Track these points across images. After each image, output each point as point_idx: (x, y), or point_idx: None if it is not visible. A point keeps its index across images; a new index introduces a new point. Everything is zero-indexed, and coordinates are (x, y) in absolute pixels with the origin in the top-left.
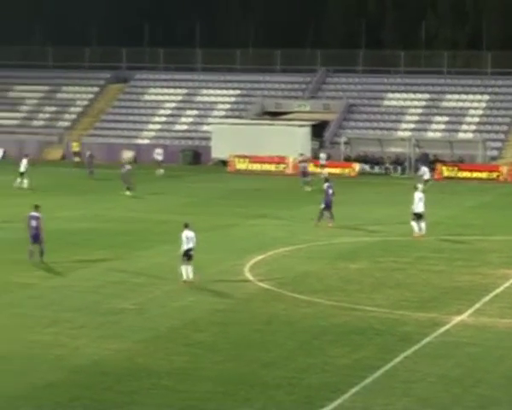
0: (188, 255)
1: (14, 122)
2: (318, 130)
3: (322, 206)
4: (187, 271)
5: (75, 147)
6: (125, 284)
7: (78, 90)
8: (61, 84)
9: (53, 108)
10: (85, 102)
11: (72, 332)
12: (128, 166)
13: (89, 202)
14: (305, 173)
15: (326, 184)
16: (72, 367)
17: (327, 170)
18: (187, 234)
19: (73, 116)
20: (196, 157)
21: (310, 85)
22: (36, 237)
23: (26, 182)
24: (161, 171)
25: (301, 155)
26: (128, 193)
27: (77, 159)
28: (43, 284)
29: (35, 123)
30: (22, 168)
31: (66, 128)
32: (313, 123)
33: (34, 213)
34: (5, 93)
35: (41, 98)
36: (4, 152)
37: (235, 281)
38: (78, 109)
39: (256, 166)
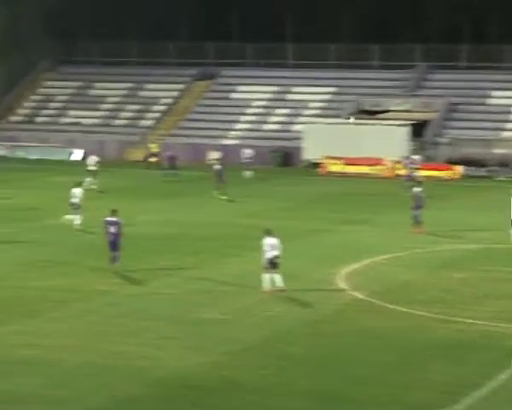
0: (273, 263)
1: (95, 121)
2: (418, 130)
3: (415, 211)
4: (272, 280)
5: (154, 148)
6: (211, 292)
7: (161, 88)
8: (143, 81)
9: (135, 107)
10: (169, 100)
11: (156, 343)
12: (218, 167)
13: (171, 206)
14: (410, 177)
15: (418, 189)
16: (155, 380)
17: (420, 173)
18: (269, 241)
19: (157, 115)
20: (286, 159)
21: (408, 83)
22: (114, 244)
23: (96, 182)
24: (250, 173)
25: (407, 157)
26: (220, 196)
27: (153, 159)
28: (123, 291)
29: (116, 122)
30: (91, 166)
31: (148, 128)
32: (412, 122)
33: (112, 219)
34: (85, 91)
35: (123, 96)
36: (85, 153)
37: (328, 290)
38: (162, 108)
39: (350, 169)
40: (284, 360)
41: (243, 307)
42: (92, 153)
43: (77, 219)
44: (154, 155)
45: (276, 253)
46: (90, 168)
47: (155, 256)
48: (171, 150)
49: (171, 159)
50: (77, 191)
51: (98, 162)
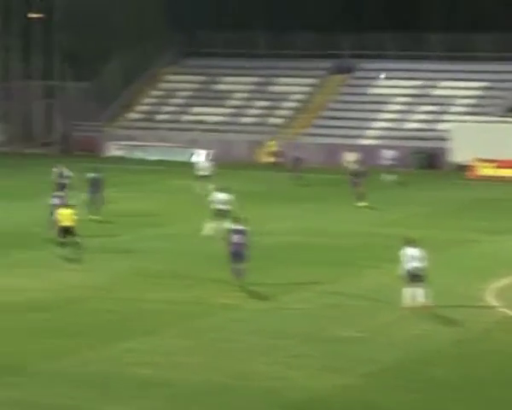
0: (414, 276)
1: (221, 119)
2: None
3: None
4: (413, 294)
5: (272, 147)
6: (345, 308)
7: (293, 83)
8: (273, 75)
9: (264, 103)
10: (301, 96)
11: (287, 362)
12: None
13: (302, 212)
14: None
15: None
16: (286, 402)
17: None
18: (410, 251)
19: (287, 112)
20: (430, 161)
21: None
22: (238, 255)
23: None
24: (391, 177)
25: None
26: (358, 202)
27: (272, 159)
28: (250, 306)
29: (243, 120)
30: (202, 171)
31: (279, 126)
32: None
33: (237, 227)
34: (210, 86)
35: (251, 92)
36: (209, 154)
37: (476, 307)
38: (293, 104)
39: (504, 172)
40: (428, 383)
41: (381, 325)
42: (221, 154)
43: (213, 228)
44: (273, 154)
45: (416, 264)
46: (200, 173)
47: (284, 268)
48: (299, 151)
49: (297, 160)
50: (223, 196)
51: (211, 165)
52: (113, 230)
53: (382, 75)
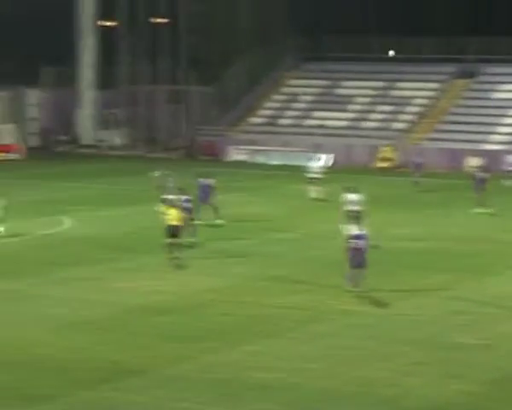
0: None
1: (343, 123)
2: None
3: None
4: None
5: (386, 152)
6: (470, 314)
7: (416, 87)
8: (396, 79)
9: (387, 108)
10: (424, 101)
11: (407, 369)
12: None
13: (421, 218)
14: None
15: None
16: None
17: None
18: None
19: (410, 117)
20: None
21: None
22: (358, 261)
23: (322, 190)
24: (510, 182)
25: None
26: (479, 208)
27: (386, 164)
28: (368, 311)
29: (366, 125)
30: (314, 173)
31: (401, 131)
32: None
33: (358, 232)
34: (332, 90)
35: (373, 96)
36: (329, 158)
37: None
38: (416, 109)
39: None
40: None
41: (506, 332)
42: (343, 159)
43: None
44: (387, 159)
45: None
46: (312, 175)
47: (405, 274)
48: (420, 156)
49: (417, 166)
50: (354, 197)
51: (323, 168)
52: (235, 234)
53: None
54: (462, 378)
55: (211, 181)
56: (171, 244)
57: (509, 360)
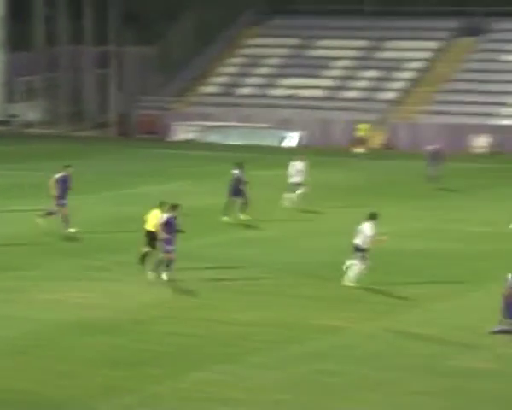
0: None
1: (316, 93)
2: None
3: None
4: None
5: (361, 131)
6: (475, 331)
7: (408, 47)
8: (383, 38)
9: (371, 74)
10: (419, 65)
11: (402, 401)
12: None
13: (423, 211)
14: None
15: None
16: None
17: None
18: None
19: (401, 85)
20: None
21: None
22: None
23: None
24: None
25: None
26: None
27: (359, 149)
28: (357, 328)
29: (346, 95)
30: (296, 177)
31: (390, 102)
32: None
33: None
34: (304, 51)
35: (354, 59)
36: (302, 137)
37: None
38: (409, 75)
39: None
40: None
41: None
42: (317, 137)
43: None
44: (361, 140)
45: None
46: (293, 180)
47: (404, 279)
48: (437, 142)
49: (435, 153)
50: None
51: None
52: (184, 234)
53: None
54: None
55: (242, 173)
56: (145, 253)
57: None
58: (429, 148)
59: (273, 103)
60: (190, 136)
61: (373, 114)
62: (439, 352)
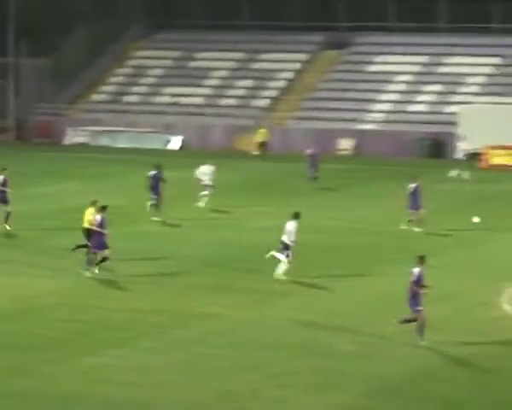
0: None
1: (197, 100)
2: None
3: None
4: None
5: (261, 135)
6: (345, 316)
7: (280, 59)
8: (258, 50)
9: (247, 83)
10: (289, 75)
11: (277, 380)
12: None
13: (291, 208)
14: None
15: None
16: None
17: None
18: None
19: (273, 93)
20: (437, 148)
21: None
22: None
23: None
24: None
25: None
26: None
27: (256, 152)
28: (235, 314)
29: (223, 102)
30: (207, 180)
31: (263, 109)
32: None
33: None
34: (186, 62)
35: (232, 69)
36: (184, 141)
37: (490, 316)
38: (280, 84)
39: None
40: (437, 403)
41: (384, 337)
42: (197, 141)
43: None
44: (260, 145)
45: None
46: (205, 183)
47: (271, 272)
48: (313, 146)
49: (312, 157)
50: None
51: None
52: (76, 230)
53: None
54: (332, 390)
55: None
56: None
57: (385, 368)
58: (308, 151)
59: (157, 110)
60: (83, 140)
61: (248, 119)
62: (312, 335)
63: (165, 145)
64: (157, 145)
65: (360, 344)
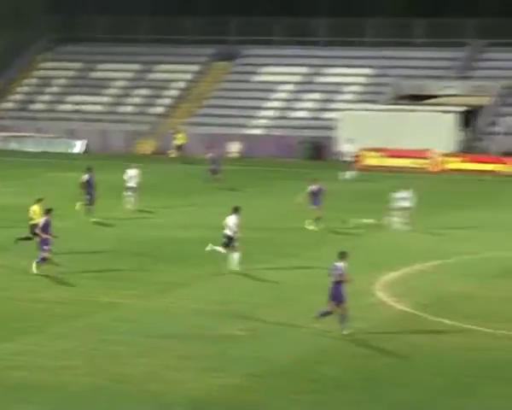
0: None
1: (98, 108)
2: (468, 118)
3: None
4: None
5: (179, 139)
6: (234, 305)
7: (174, 70)
8: (154, 62)
9: (144, 92)
10: (183, 85)
11: (169, 363)
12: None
13: (192, 206)
14: None
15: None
16: (167, 405)
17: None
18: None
19: (169, 101)
20: (317, 151)
21: (458, 63)
22: None
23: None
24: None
25: None
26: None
27: (174, 154)
28: (134, 304)
29: (122, 109)
30: (132, 182)
31: (159, 116)
32: (462, 109)
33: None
34: (87, 73)
35: (130, 79)
36: (86, 145)
37: (366, 303)
38: (175, 93)
39: (390, 162)
40: (320, 383)
41: (270, 323)
42: (98, 145)
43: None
44: (178, 147)
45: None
46: (130, 185)
47: (174, 264)
48: (213, 151)
49: (214, 161)
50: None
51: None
52: None
53: (500, 128)
54: (225, 372)
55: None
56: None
57: (273, 352)
58: (209, 154)
59: (62, 117)
60: None
61: (146, 125)
62: (208, 323)
63: (71, 149)
64: (62, 149)
65: (252, 330)
